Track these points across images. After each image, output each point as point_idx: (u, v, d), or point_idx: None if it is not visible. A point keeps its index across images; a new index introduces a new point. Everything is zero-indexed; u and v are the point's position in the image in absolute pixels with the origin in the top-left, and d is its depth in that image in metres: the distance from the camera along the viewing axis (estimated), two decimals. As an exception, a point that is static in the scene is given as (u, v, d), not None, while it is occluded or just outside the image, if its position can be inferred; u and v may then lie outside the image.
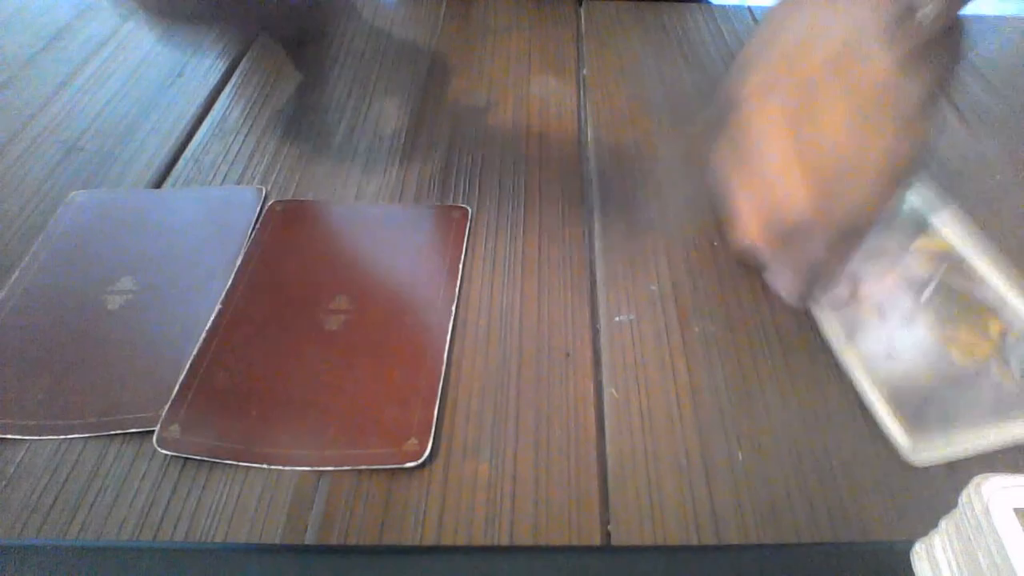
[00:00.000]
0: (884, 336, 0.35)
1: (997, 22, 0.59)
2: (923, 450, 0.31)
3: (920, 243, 0.39)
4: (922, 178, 0.42)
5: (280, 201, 0.43)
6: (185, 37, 0.53)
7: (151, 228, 0.41)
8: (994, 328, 0.35)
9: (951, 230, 0.39)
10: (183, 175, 0.44)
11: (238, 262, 0.39)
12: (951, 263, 0.38)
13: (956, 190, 0.44)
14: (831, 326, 0.36)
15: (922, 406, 0.32)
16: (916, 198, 0.41)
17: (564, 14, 0.60)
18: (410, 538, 0.28)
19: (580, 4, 0.61)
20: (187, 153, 0.46)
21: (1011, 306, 0.36)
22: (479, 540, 0.28)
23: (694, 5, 0.62)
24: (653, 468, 0.30)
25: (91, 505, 0.29)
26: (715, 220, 0.41)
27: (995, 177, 0.45)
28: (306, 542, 0.28)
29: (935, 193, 0.41)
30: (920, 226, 0.40)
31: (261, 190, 0.43)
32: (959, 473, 0.30)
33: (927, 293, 0.36)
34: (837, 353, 0.35)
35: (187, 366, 0.33)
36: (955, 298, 0.36)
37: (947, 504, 0.25)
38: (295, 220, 0.41)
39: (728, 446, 0.31)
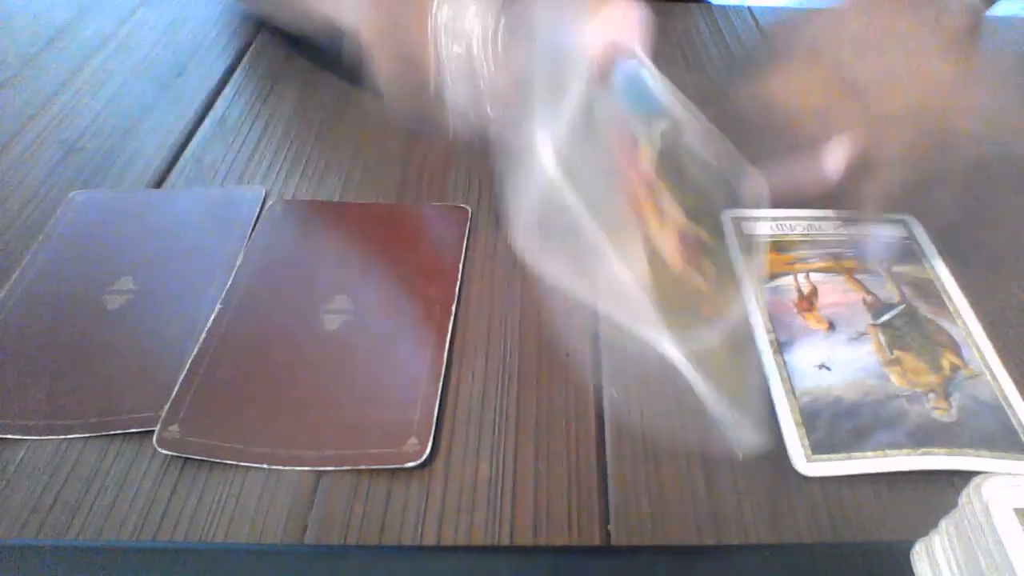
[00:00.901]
0: (825, 347, 0.34)
1: (997, 22, 0.59)
2: (816, 461, 0.30)
3: (902, 268, 0.38)
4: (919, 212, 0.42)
5: (280, 201, 0.43)
6: None
7: (151, 228, 0.41)
8: (947, 361, 0.34)
9: (938, 262, 0.39)
10: (183, 175, 0.44)
11: (238, 262, 0.39)
12: (927, 292, 0.37)
13: (956, 192, 0.44)
14: (760, 331, 0.35)
15: (834, 419, 0.31)
16: (910, 227, 0.41)
17: (564, 14, 0.60)
18: (410, 538, 0.28)
19: (580, 4, 0.61)
20: (187, 153, 0.46)
21: (974, 344, 0.35)
22: (479, 540, 0.28)
23: (694, 5, 0.62)
24: (653, 468, 0.30)
25: (91, 505, 0.29)
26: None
27: (995, 179, 0.45)
28: (306, 542, 0.28)
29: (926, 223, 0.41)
30: (908, 253, 0.39)
31: (261, 190, 0.43)
32: (959, 473, 0.30)
33: (888, 315, 0.36)
34: (761, 353, 0.34)
35: (187, 366, 0.33)
36: (918, 326, 0.35)
37: (947, 504, 0.25)
38: (295, 220, 0.41)
39: (728, 446, 0.31)
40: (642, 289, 0.28)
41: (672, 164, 0.33)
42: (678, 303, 0.30)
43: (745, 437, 0.29)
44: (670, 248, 0.31)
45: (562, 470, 0.30)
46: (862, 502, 0.29)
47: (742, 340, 0.33)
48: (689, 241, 0.32)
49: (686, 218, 0.33)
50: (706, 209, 0.35)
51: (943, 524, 0.26)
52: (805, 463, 0.30)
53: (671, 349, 0.28)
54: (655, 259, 0.30)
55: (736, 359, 0.32)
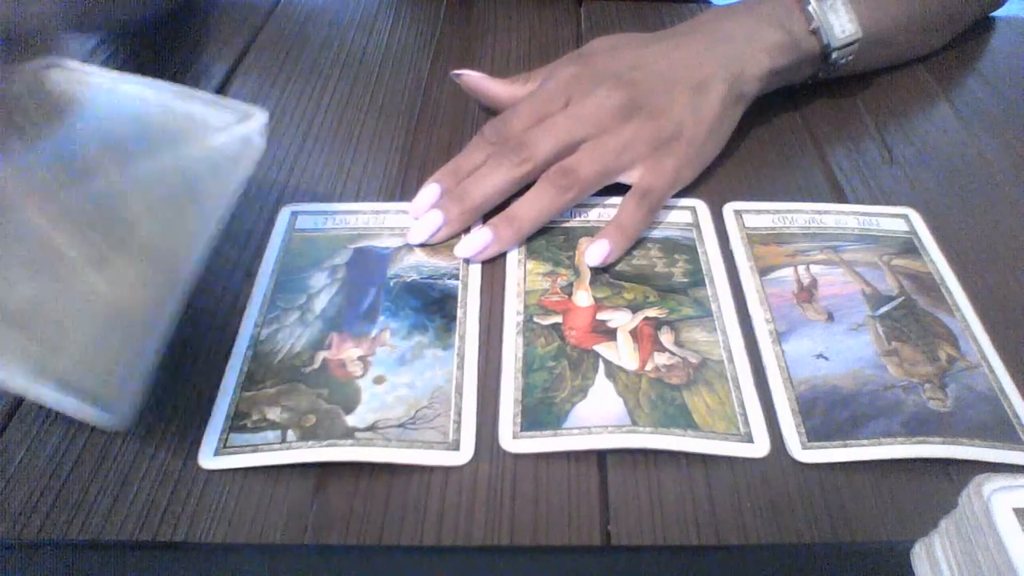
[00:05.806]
0: (824, 337, 0.35)
1: (997, 22, 0.59)
2: (812, 448, 0.31)
3: (900, 260, 0.38)
4: (918, 201, 0.42)
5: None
6: None
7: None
8: (944, 353, 0.34)
9: (938, 255, 0.39)
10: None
11: (238, 262, 0.39)
12: (926, 285, 0.37)
13: (956, 190, 0.44)
14: (760, 321, 0.36)
15: (831, 407, 0.32)
16: (911, 221, 0.41)
17: (564, 14, 0.60)
18: (410, 538, 0.28)
19: (580, 4, 0.62)
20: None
21: (972, 337, 0.35)
22: (479, 540, 0.28)
23: (694, 5, 0.62)
24: (653, 468, 0.30)
25: (91, 505, 0.29)
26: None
27: (995, 177, 0.45)
28: (306, 542, 0.28)
29: (927, 218, 0.41)
30: (907, 246, 0.39)
31: (261, 190, 0.43)
32: (959, 473, 0.30)
33: (887, 307, 0.36)
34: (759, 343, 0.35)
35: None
36: (916, 318, 0.36)
37: (947, 504, 0.25)
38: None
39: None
40: None
41: None
42: None
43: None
44: None
45: (562, 470, 0.30)
46: (862, 501, 0.29)
47: None
48: None
49: None
50: None
51: (943, 524, 0.26)
52: (800, 450, 0.31)
53: None
54: None
55: None
